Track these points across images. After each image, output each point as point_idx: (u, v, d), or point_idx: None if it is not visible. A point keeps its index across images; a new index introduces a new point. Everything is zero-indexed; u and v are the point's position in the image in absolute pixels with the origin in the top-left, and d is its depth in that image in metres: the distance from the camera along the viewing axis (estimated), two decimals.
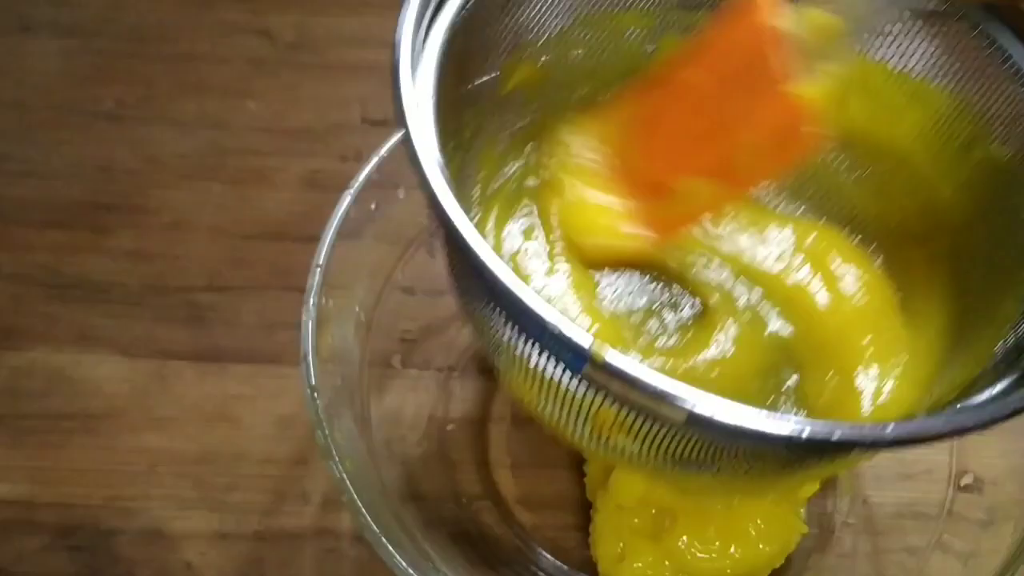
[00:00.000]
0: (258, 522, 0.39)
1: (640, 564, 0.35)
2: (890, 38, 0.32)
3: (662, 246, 0.32)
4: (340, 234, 0.35)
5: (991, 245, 0.31)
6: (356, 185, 0.35)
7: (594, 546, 0.37)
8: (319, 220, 0.35)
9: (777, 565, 0.37)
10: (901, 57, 0.32)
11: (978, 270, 0.32)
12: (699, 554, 0.35)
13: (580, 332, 0.23)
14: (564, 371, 0.25)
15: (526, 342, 0.25)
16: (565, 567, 0.38)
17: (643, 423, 0.25)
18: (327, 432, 0.32)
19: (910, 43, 0.32)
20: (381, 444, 0.36)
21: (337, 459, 0.32)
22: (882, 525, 0.38)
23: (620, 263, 0.33)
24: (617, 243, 0.32)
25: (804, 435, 0.23)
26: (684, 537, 0.35)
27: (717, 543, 0.36)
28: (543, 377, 0.26)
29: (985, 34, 0.31)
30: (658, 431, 0.25)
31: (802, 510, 0.37)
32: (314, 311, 0.34)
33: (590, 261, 0.33)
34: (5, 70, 0.49)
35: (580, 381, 0.25)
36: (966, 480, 0.36)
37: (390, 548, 0.31)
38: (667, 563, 0.35)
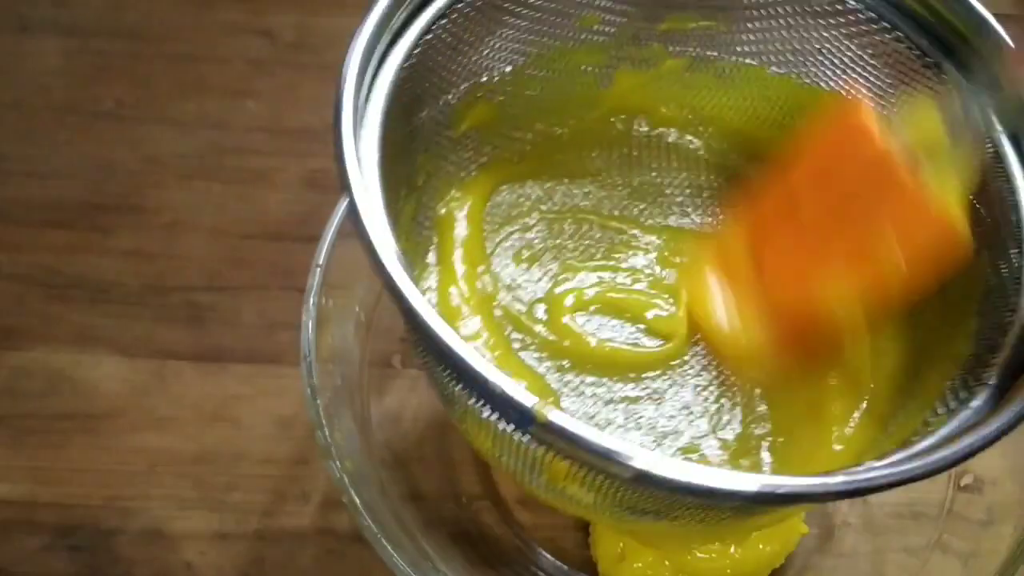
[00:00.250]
0: (258, 522, 0.39)
1: (640, 564, 0.35)
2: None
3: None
4: (340, 234, 0.35)
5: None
6: None
7: (594, 546, 0.37)
8: (319, 220, 0.35)
9: (777, 565, 0.37)
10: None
11: (930, 304, 0.31)
12: (699, 554, 0.35)
13: (523, 393, 0.23)
14: (514, 428, 0.25)
15: (476, 400, 0.25)
16: (565, 567, 0.38)
17: (595, 476, 0.25)
18: (327, 432, 0.32)
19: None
20: (381, 444, 0.36)
21: (337, 459, 0.32)
22: (882, 525, 0.38)
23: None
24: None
25: (751, 491, 0.23)
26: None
27: (717, 543, 0.36)
28: (496, 431, 0.26)
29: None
30: (610, 484, 0.26)
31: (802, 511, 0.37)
32: (314, 311, 0.34)
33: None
34: (5, 70, 0.49)
35: (529, 438, 0.25)
36: (966, 480, 0.36)
37: (389, 548, 0.31)
38: (667, 563, 0.35)
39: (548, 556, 0.38)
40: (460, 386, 0.25)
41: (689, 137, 0.37)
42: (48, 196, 0.45)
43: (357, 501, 0.31)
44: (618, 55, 0.34)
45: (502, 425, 0.25)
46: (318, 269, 0.34)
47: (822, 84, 0.33)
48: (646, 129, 0.37)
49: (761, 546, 0.36)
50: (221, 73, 0.49)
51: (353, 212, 0.25)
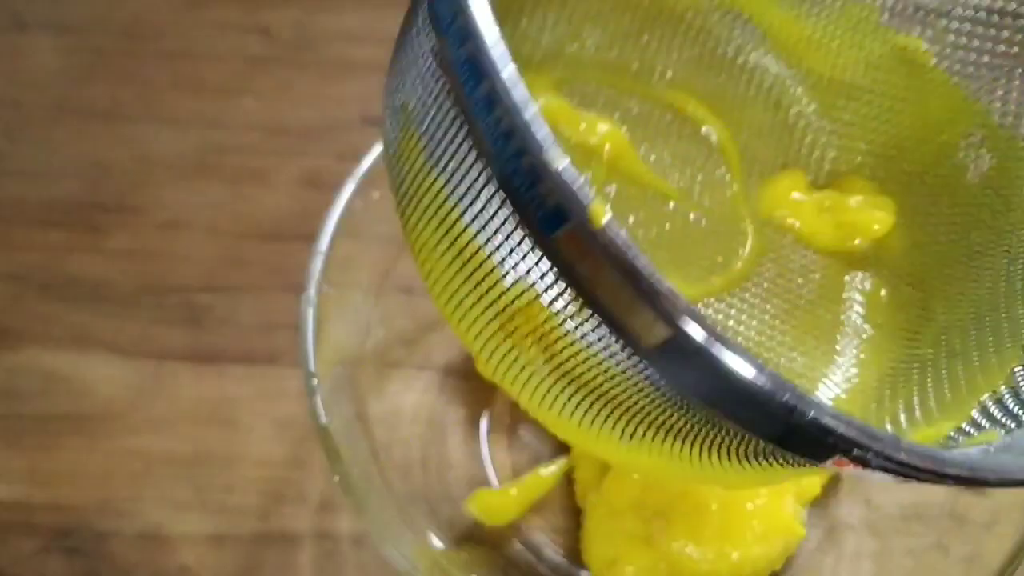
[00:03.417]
0: (256, 524, 0.39)
1: (632, 568, 0.35)
2: None
3: None
4: (340, 231, 0.35)
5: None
6: (358, 176, 0.35)
7: (585, 550, 0.37)
8: (317, 220, 0.35)
9: (777, 568, 0.37)
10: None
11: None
12: (695, 556, 0.35)
13: (581, 178, 0.17)
14: (514, 230, 0.18)
15: (484, 175, 0.18)
16: (569, 564, 0.38)
17: (579, 334, 0.19)
18: (327, 433, 0.32)
19: None
20: (381, 444, 0.36)
21: (338, 460, 0.32)
22: (884, 527, 0.38)
23: None
24: None
25: (821, 418, 0.17)
26: (679, 540, 0.35)
27: (714, 546, 0.35)
28: (471, 230, 0.19)
29: None
30: (591, 353, 0.19)
31: (803, 513, 0.37)
32: (315, 298, 0.33)
33: None
34: (0, 69, 0.48)
35: (536, 248, 0.18)
36: None
37: (392, 549, 0.31)
38: (661, 565, 0.35)
39: (551, 553, 0.38)
40: (471, 141, 0.18)
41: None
42: (43, 195, 0.45)
43: (358, 502, 0.31)
44: None
45: (493, 225, 0.18)
46: (320, 256, 0.34)
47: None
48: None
49: (759, 549, 0.36)
50: (218, 71, 0.48)
51: None
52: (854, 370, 0.31)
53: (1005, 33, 0.28)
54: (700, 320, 0.17)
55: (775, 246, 0.31)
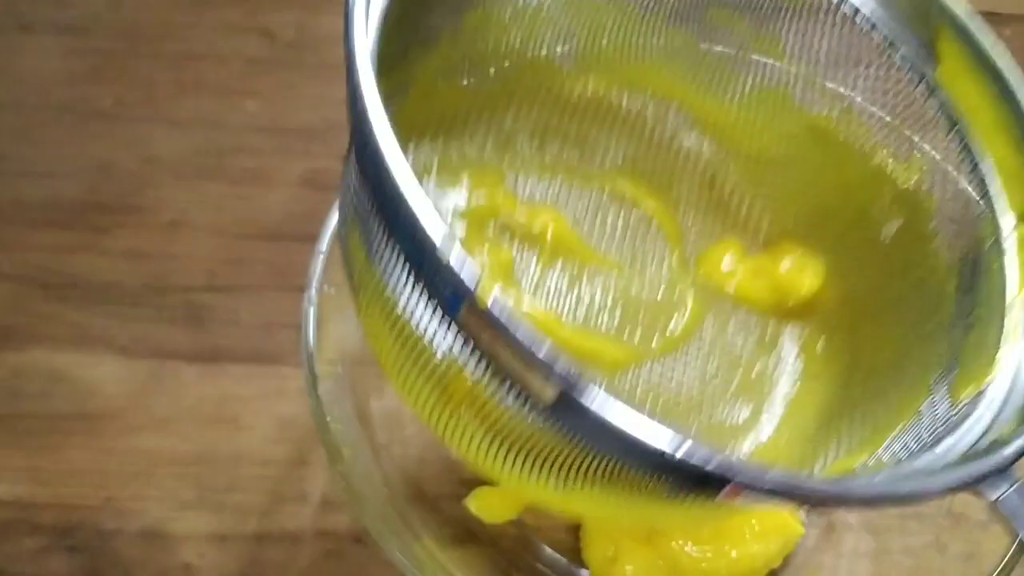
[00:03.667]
0: (257, 523, 0.39)
1: (632, 566, 0.35)
2: None
3: None
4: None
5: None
6: None
7: (585, 549, 0.37)
8: (318, 220, 0.35)
9: (775, 566, 0.37)
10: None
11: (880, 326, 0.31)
12: (694, 554, 0.35)
13: (470, 265, 0.20)
14: (433, 312, 0.22)
15: (404, 268, 0.22)
16: (569, 563, 0.38)
17: (499, 398, 0.22)
18: (328, 432, 0.32)
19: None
20: (383, 443, 0.36)
21: (339, 459, 0.32)
22: (882, 525, 0.38)
23: None
24: None
25: (679, 453, 0.19)
26: (678, 538, 0.35)
27: (712, 544, 0.36)
28: (405, 314, 0.22)
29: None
30: (511, 414, 0.22)
31: (802, 512, 0.37)
32: (316, 297, 0.34)
33: None
34: (3, 69, 0.48)
35: (447, 328, 0.21)
36: None
37: (394, 548, 0.31)
38: (660, 563, 0.35)
39: (552, 553, 0.38)
40: (392, 245, 0.22)
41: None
42: (46, 196, 0.45)
43: (360, 501, 0.31)
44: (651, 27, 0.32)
45: (416, 309, 0.22)
46: (321, 256, 0.34)
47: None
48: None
49: (758, 547, 0.36)
50: (220, 72, 0.49)
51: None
52: (793, 415, 0.33)
53: (898, 108, 0.31)
54: (577, 378, 0.19)
55: (715, 308, 0.34)
